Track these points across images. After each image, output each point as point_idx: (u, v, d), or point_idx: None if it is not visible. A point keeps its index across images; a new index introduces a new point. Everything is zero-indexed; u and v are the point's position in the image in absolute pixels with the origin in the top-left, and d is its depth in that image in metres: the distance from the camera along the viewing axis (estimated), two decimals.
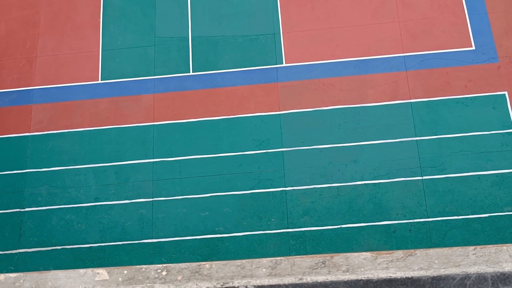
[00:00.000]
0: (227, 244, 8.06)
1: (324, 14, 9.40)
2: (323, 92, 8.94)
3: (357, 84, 8.95)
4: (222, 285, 3.29)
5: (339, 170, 8.49)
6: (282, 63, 9.16)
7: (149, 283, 3.32)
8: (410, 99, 8.78)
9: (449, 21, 9.19)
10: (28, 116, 9.20)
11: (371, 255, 3.13)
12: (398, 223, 8.02)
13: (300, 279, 3.23)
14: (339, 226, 8.09)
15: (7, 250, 8.40)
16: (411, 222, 8.02)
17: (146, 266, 3.28)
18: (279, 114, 8.88)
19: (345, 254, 3.19)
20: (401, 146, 8.55)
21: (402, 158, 8.46)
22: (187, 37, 9.46)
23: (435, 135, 8.54)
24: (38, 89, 9.38)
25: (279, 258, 3.22)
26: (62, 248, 8.34)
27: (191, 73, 9.26)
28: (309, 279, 3.24)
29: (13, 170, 8.90)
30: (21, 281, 3.30)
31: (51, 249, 8.34)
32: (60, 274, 3.27)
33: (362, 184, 8.39)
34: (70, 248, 8.33)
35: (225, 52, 9.32)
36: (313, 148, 8.68)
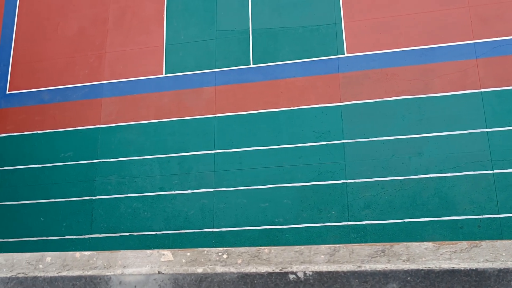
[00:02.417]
0: (286, 235, 8.23)
1: (388, 2, 9.24)
2: (386, 82, 8.81)
3: (422, 73, 8.73)
4: (280, 270, 3.43)
5: (402, 163, 8.37)
6: (344, 53, 9.13)
7: (210, 265, 3.55)
8: (481, 88, 8.45)
9: None
10: (99, 109, 9.86)
11: (433, 245, 3.11)
12: (465, 218, 7.79)
13: (359, 266, 3.29)
14: (402, 220, 7.99)
15: (81, 235, 9.12)
16: (480, 218, 7.76)
17: (208, 249, 3.51)
18: (340, 105, 8.88)
19: (405, 243, 3.21)
20: (470, 138, 8.26)
21: (471, 150, 8.18)
22: (248, 30, 9.68)
23: (508, 126, 8.16)
24: (107, 83, 10.01)
25: (338, 245, 3.31)
26: (129, 234, 8.92)
27: (251, 65, 9.47)
28: (368, 267, 3.29)
29: (85, 160, 9.61)
30: (94, 259, 3.66)
31: (120, 235, 8.94)
32: (129, 254, 3.60)
33: (427, 177, 8.21)
34: (137, 234, 8.88)
35: (285, 43, 9.44)
36: (375, 140, 8.61)
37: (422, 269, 3.07)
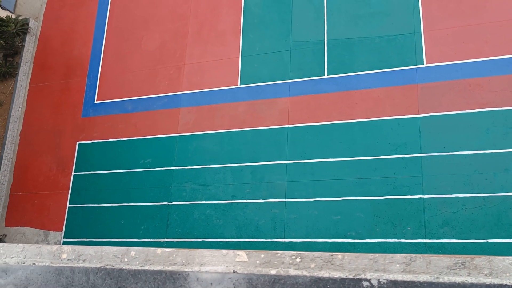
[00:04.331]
0: (358, 249, 8.14)
1: (472, 9, 8.93)
2: (468, 94, 8.49)
3: (509, 84, 8.32)
4: (354, 276, 3.47)
5: (486, 179, 7.99)
6: (423, 64, 8.95)
7: (284, 268, 3.67)
8: None
9: None
10: (176, 118, 10.42)
11: None
12: None
13: (436, 278, 3.24)
14: (485, 240, 7.62)
15: (156, 239, 9.64)
16: None
17: (281, 252, 3.64)
18: (418, 117, 8.68)
19: (487, 256, 3.11)
20: None
21: None
22: (323, 40, 9.80)
23: None
24: (185, 93, 10.57)
25: (414, 255, 3.28)
26: (202, 240, 9.29)
27: (325, 76, 9.56)
28: (446, 279, 3.23)
29: (163, 167, 10.17)
30: (174, 255, 3.93)
31: (193, 241, 9.34)
32: (206, 252, 3.82)
33: None
34: (209, 241, 9.23)
35: (361, 53, 9.43)
36: (456, 154, 8.31)
37: (506, 284, 2.96)
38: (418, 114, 8.75)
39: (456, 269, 3.36)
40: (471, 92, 8.53)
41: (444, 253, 7.54)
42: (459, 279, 3.23)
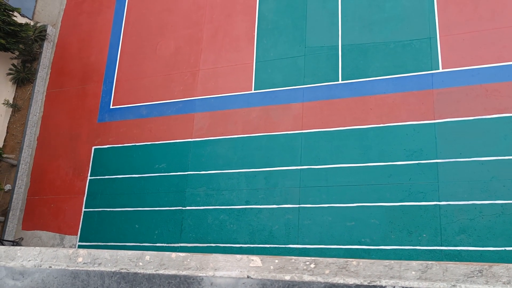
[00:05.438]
0: (373, 256, 8.07)
1: (489, 13, 8.85)
2: (486, 99, 8.41)
3: None
4: (369, 283, 3.44)
5: (504, 186, 7.88)
6: (439, 69, 8.88)
7: (298, 274, 3.67)
8: None
9: None
10: (191, 123, 10.49)
11: None
12: None
13: (453, 285, 3.19)
14: (503, 248, 7.50)
15: (170, 243, 9.68)
16: None
17: (296, 257, 3.65)
18: (434, 123, 8.61)
19: (506, 264, 3.07)
20: None
21: None
22: (337, 46, 9.79)
23: None
24: (200, 99, 10.64)
25: (430, 262, 3.24)
26: (216, 245, 9.30)
27: (340, 82, 9.54)
28: (463, 287, 3.18)
29: (177, 172, 10.23)
30: (188, 260, 3.96)
31: (207, 246, 9.36)
32: (220, 257, 3.86)
33: None
34: (223, 246, 9.24)
35: (376, 59, 9.40)
36: (472, 160, 8.21)
37: None
38: (434, 119, 8.68)
39: (473, 276, 3.31)
40: (488, 97, 8.44)
41: (460, 261, 7.44)
42: (476, 287, 3.19)
